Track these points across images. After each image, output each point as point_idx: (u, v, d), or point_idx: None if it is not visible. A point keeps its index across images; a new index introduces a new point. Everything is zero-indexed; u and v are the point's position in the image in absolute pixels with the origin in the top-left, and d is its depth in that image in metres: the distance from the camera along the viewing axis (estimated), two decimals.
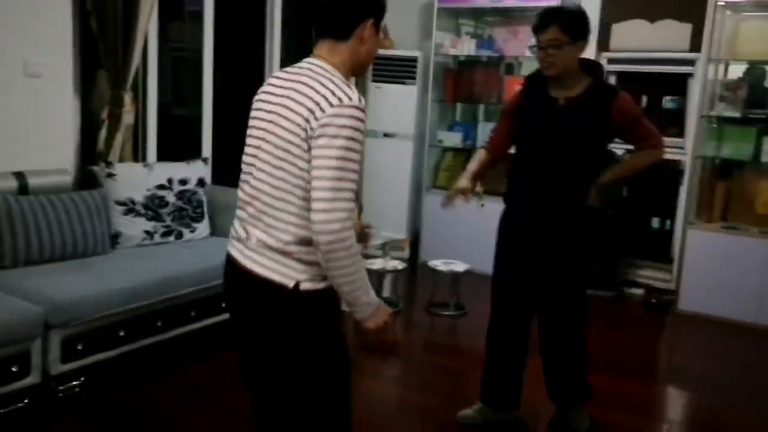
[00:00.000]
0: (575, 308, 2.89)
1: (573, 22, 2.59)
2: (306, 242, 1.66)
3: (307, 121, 1.60)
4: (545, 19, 2.60)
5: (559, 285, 2.84)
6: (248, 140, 1.77)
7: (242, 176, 1.79)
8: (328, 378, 1.78)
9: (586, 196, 2.71)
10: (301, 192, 1.63)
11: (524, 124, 2.78)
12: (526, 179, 2.76)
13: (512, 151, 2.90)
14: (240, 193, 1.80)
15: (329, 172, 1.58)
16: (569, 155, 2.66)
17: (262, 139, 1.70)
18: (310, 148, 1.60)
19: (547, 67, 2.64)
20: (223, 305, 3.56)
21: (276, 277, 1.69)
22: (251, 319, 1.80)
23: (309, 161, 1.60)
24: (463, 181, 2.82)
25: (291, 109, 1.64)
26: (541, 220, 2.74)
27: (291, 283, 1.68)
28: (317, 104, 1.60)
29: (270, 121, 1.69)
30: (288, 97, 1.66)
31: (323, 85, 1.63)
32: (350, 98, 1.60)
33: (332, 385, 1.79)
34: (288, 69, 1.78)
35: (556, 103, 2.68)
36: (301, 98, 1.63)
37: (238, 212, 1.82)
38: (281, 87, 1.71)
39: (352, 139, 1.59)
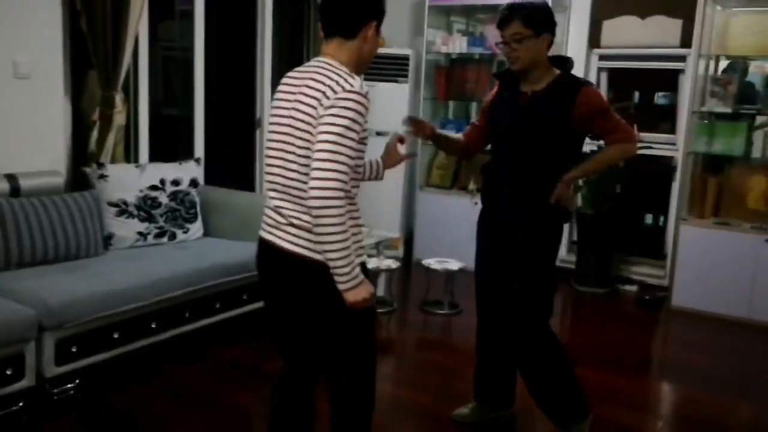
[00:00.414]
0: (523, 308, 2.75)
1: (534, 16, 2.60)
2: None
3: (316, 108, 1.84)
4: (507, 14, 2.62)
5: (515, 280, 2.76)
6: (272, 135, 1.99)
7: (268, 168, 2.01)
8: (355, 332, 2.02)
9: (545, 192, 2.63)
10: None
11: (495, 121, 2.79)
12: (500, 176, 2.76)
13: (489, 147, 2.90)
14: (268, 184, 2.02)
15: (327, 146, 1.80)
16: (537, 151, 2.64)
17: (286, 133, 1.92)
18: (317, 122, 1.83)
19: (513, 61, 2.64)
20: (217, 306, 3.57)
21: (299, 251, 1.93)
22: (287, 290, 2.05)
23: None
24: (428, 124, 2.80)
25: (305, 103, 1.88)
26: (517, 217, 2.71)
27: (315, 256, 1.91)
28: (324, 93, 1.85)
29: (290, 116, 1.91)
30: (302, 93, 1.90)
31: (329, 77, 1.87)
32: (352, 86, 1.85)
33: (359, 340, 2.04)
34: (299, 68, 2.02)
35: (524, 98, 2.67)
36: (312, 91, 1.87)
37: (267, 201, 2.04)
38: (295, 84, 1.94)
39: (353, 120, 1.82)
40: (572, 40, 5.19)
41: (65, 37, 3.69)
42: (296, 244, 1.95)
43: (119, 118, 3.77)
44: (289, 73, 2.02)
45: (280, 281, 2.05)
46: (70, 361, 2.92)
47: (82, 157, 3.77)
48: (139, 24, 3.81)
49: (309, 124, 1.86)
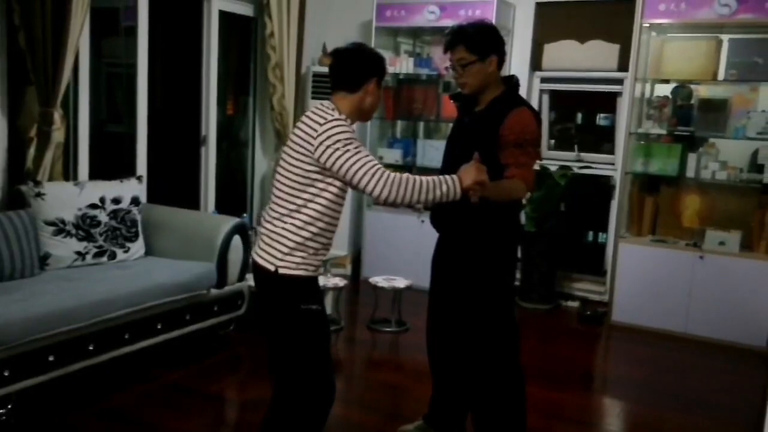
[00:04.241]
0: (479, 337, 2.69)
1: (477, 40, 2.53)
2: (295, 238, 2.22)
3: (309, 142, 2.19)
4: (451, 39, 2.58)
5: (464, 307, 2.70)
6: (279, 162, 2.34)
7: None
8: (307, 343, 2.31)
9: (495, 215, 2.58)
10: (298, 199, 2.22)
11: (449, 143, 2.79)
12: None
13: None
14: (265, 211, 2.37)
15: (347, 165, 2.15)
16: None
17: (283, 159, 2.28)
18: (317, 160, 2.17)
19: (462, 86, 2.62)
20: (159, 327, 3.51)
21: (263, 263, 2.28)
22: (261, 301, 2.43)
23: (313, 168, 2.18)
24: None
25: (298, 136, 2.25)
26: (465, 240, 2.67)
27: (272, 268, 2.25)
28: (312, 128, 2.21)
29: (289, 147, 2.28)
30: (298, 128, 2.27)
31: (318, 116, 2.24)
32: (331, 116, 2.22)
33: (311, 349, 2.32)
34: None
35: (472, 118, 2.66)
36: (304, 127, 2.25)
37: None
38: (299, 123, 2.30)
39: (345, 138, 2.17)
40: (515, 62, 5.31)
41: (2, 53, 3.61)
42: (262, 258, 2.28)
43: (58, 135, 3.68)
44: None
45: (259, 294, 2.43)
46: (2, 386, 2.81)
47: (19, 175, 3.67)
48: (79, 40, 3.75)
49: (301, 153, 2.20)
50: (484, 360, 2.71)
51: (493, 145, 2.50)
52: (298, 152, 2.22)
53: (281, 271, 2.24)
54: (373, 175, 2.14)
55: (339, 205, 2.28)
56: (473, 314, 2.69)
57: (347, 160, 2.15)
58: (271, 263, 2.25)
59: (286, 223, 2.24)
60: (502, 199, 2.49)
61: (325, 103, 2.30)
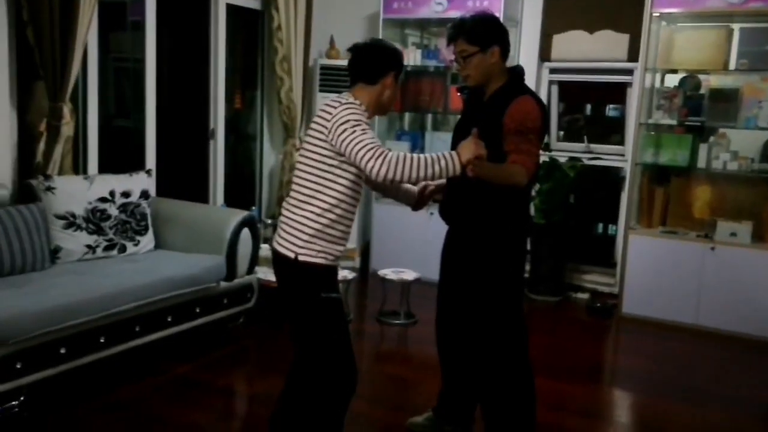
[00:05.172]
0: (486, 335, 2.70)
1: (478, 32, 2.54)
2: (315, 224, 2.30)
3: (324, 126, 2.27)
4: (451, 32, 2.58)
5: (471, 301, 2.72)
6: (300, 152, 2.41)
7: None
8: (329, 330, 2.39)
9: (504, 207, 2.61)
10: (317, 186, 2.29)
11: (455, 134, 2.76)
12: (453, 187, 2.70)
13: None
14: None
15: (351, 144, 2.19)
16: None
17: (305, 148, 2.35)
18: (332, 143, 2.24)
19: (466, 78, 2.62)
20: (168, 319, 3.53)
21: (283, 251, 2.35)
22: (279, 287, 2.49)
23: (328, 153, 2.26)
24: None
25: (317, 123, 2.32)
26: (474, 231, 2.67)
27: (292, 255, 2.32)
28: (328, 113, 2.29)
29: (309, 135, 2.35)
30: (318, 116, 2.34)
31: (335, 102, 2.32)
32: (347, 101, 2.30)
33: (333, 336, 2.40)
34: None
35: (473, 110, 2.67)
36: (323, 113, 2.32)
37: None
38: (318, 111, 2.37)
39: (354, 119, 2.23)
40: (523, 53, 5.29)
41: (11, 48, 3.62)
42: (282, 246, 2.34)
43: (67, 130, 3.70)
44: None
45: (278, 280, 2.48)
46: (14, 378, 2.83)
47: (29, 170, 3.69)
48: (88, 35, 3.76)
49: (319, 139, 2.27)
50: (492, 353, 2.70)
51: (498, 135, 2.49)
52: (316, 138, 2.29)
53: (301, 258, 2.30)
54: (373, 154, 2.17)
55: (356, 192, 2.35)
56: (481, 307, 2.68)
57: (352, 139, 2.20)
58: (291, 251, 2.31)
59: (305, 210, 2.30)
60: (500, 182, 2.46)
61: (345, 94, 2.37)
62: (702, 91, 4.72)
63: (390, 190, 2.74)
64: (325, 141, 2.26)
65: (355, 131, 2.21)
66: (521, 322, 2.74)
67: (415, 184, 2.57)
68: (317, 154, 2.29)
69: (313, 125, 2.34)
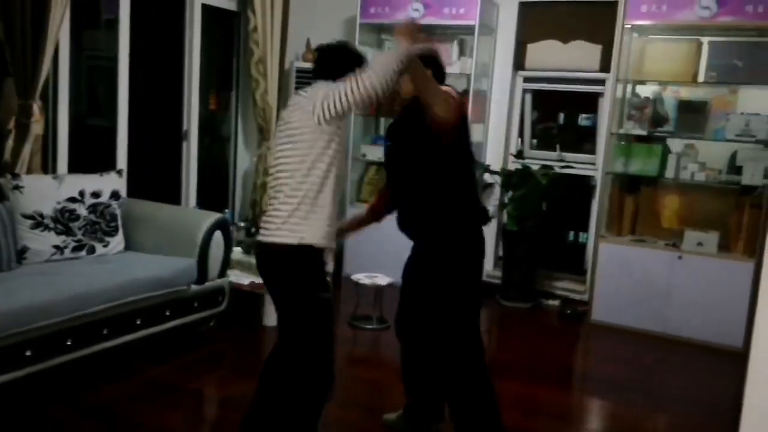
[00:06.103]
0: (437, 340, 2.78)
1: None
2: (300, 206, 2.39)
3: (306, 108, 2.37)
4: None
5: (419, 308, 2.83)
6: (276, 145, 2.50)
7: (272, 174, 2.49)
8: (314, 329, 2.47)
9: (457, 227, 2.72)
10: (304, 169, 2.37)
11: None
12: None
13: None
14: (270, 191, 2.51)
15: (336, 95, 2.31)
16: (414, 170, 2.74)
17: (284, 141, 2.43)
18: (317, 116, 2.34)
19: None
20: (138, 322, 3.48)
21: (270, 240, 2.42)
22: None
23: (308, 137, 2.36)
24: None
25: (292, 113, 2.43)
26: (423, 235, 2.79)
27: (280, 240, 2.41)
28: (306, 98, 2.41)
29: (286, 127, 2.44)
30: (291, 107, 2.47)
31: (304, 92, 2.45)
32: (310, 89, 2.42)
33: (316, 336, 2.47)
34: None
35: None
36: (299, 100, 2.45)
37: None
38: (289, 107, 2.49)
39: (327, 88, 2.35)
40: (498, 61, 5.33)
41: None
42: (280, 236, 2.40)
43: (36, 128, 3.64)
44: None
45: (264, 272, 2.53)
46: None
47: None
48: (60, 32, 3.70)
49: (303, 121, 2.36)
50: (445, 357, 2.75)
51: (425, 135, 2.57)
52: (294, 128, 2.39)
53: (306, 241, 2.38)
54: (351, 90, 2.30)
55: (338, 167, 2.44)
56: (432, 314, 2.75)
57: (334, 93, 2.33)
58: (293, 237, 2.38)
59: (297, 197, 2.38)
60: (425, 89, 2.46)
61: (306, 88, 2.49)
62: (668, 106, 4.80)
63: None
64: (306, 121, 2.35)
65: (332, 89, 2.33)
66: (474, 329, 2.78)
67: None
68: (300, 142, 2.37)
69: (288, 117, 2.43)
